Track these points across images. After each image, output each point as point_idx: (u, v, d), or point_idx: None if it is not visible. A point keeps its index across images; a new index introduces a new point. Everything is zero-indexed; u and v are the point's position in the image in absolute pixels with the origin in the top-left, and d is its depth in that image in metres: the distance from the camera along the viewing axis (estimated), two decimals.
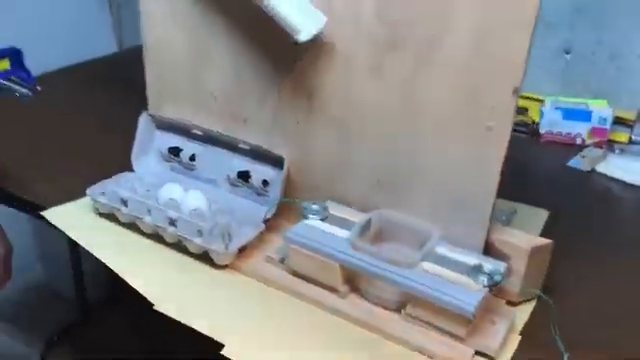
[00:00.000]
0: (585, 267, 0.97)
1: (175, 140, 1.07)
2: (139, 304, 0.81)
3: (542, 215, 1.08)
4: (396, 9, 0.80)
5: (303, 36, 0.83)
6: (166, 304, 0.81)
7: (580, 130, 1.39)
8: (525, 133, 1.43)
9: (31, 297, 1.92)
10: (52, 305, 1.90)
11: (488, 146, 0.79)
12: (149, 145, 1.08)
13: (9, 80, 1.49)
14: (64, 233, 0.94)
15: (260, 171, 0.99)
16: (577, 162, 1.32)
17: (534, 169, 1.33)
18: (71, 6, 1.98)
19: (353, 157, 0.92)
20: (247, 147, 0.99)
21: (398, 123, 0.86)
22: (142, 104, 1.09)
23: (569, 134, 1.40)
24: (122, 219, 0.96)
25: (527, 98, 1.45)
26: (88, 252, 0.90)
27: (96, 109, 1.39)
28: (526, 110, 1.45)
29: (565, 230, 1.05)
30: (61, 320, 1.83)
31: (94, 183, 1.00)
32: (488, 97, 0.77)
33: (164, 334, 1.08)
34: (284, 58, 0.92)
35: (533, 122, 1.44)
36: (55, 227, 0.95)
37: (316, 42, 0.86)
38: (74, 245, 1.41)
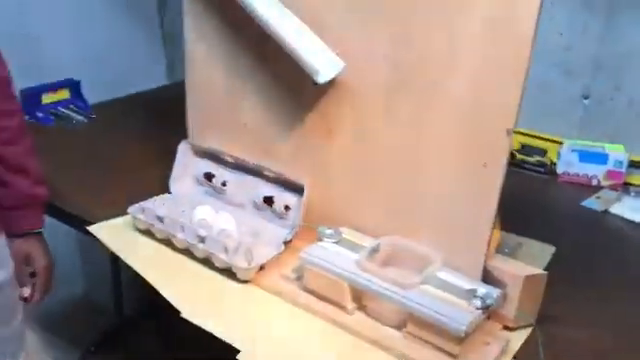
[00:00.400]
0: (586, 301, 1.02)
1: (209, 167, 1.18)
2: (172, 316, 0.90)
3: (548, 250, 1.14)
4: (405, 56, 0.90)
5: (322, 78, 0.94)
6: (192, 312, 0.91)
7: (596, 172, 1.44)
8: (543, 173, 1.49)
9: (70, 309, 2.04)
10: (90, 317, 2.02)
11: (484, 181, 0.87)
12: (186, 170, 1.20)
13: (68, 108, 1.64)
14: (106, 247, 1.06)
15: (283, 197, 1.09)
16: (592, 202, 1.37)
17: (549, 207, 1.39)
18: (126, 40, 2.15)
19: (366, 188, 1.01)
20: (272, 175, 1.10)
21: (406, 157, 0.95)
22: (183, 133, 1.21)
23: (585, 175, 1.45)
24: (158, 235, 1.07)
25: (546, 140, 1.52)
26: (127, 265, 1.01)
27: (143, 136, 1.52)
28: (545, 151, 1.52)
29: (571, 265, 1.11)
30: (98, 331, 1.94)
31: (136, 202, 1.11)
32: (484, 136, 0.86)
33: (192, 343, 1.17)
34: (307, 97, 1.03)
35: (551, 163, 1.50)
36: (98, 240, 1.07)
37: (335, 83, 0.97)
38: (114, 259, 1.54)
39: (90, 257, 2.02)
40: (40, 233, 1.04)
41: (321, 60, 0.94)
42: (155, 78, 2.27)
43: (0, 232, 0.94)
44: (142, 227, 1.09)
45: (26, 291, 1.03)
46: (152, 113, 1.68)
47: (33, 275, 1.04)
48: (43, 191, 1.02)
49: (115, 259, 1.53)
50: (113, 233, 1.10)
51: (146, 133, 1.55)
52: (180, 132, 1.21)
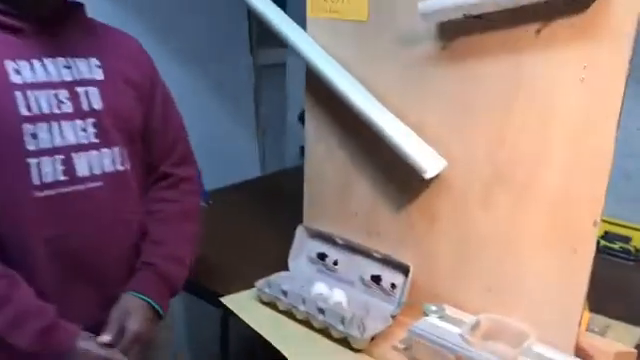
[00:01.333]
0: None
1: (322, 247, 1.35)
2: None
3: (635, 332, 1.22)
4: (500, 154, 1.06)
5: (428, 175, 1.11)
6: None
7: None
8: (629, 259, 1.57)
9: None
10: None
11: (575, 265, 1.00)
12: (302, 250, 1.37)
13: None
14: (217, 319, 1.21)
15: (389, 276, 1.24)
16: None
17: (635, 292, 1.46)
18: (229, 134, 2.41)
19: (466, 270, 1.15)
20: (379, 256, 1.25)
21: (502, 242, 1.09)
22: (289, 217, 1.38)
23: None
24: (281, 307, 1.23)
25: (631, 228, 1.61)
26: (235, 337, 1.16)
27: (259, 219, 1.73)
28: (629, 238, 1.61)
29: None
30: None
31: (258, 278, 1.29)
32: (574, 225, 0.99)
33: None
34: (412, 188, 1.19)
35: (636, 250, 1.58)
36: (230, 310, 1.25)
37: (437, 177, 1.13)
38: (224, 328, 1.71)
39: (199, 327, 2.20)
40: (150, 304, 1.06)
41: (426, 159, 1.12)
42: (249, 167, 2.51)
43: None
44: (266, 299, 1.26)
45: (106, 338, 0.99)
46: (265, 198, 1.89)
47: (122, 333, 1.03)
48: (178, 272, 1.12)
49: (225, 329, 1.71)
50: (241, 304, 1.27)
51: (262, 216, 1.75)
52: (287, 215, 1.39)
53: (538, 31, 0.99)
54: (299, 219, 1.42)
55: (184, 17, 2.46)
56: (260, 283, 1.27)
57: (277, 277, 1.30)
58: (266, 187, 2.08)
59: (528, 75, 1.01)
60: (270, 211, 1.76)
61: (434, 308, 1.13)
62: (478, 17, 1.03)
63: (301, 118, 2.05)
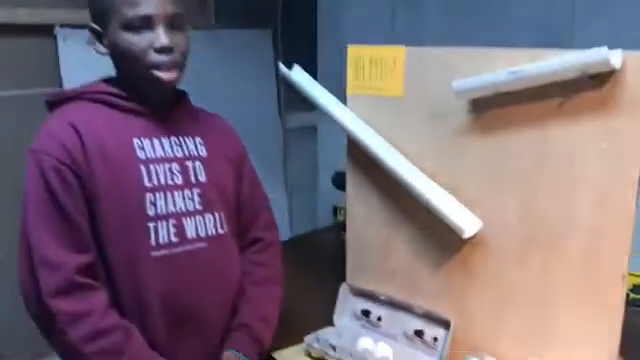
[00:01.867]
0: None
1: (366, 304, 1.45)
2: None
3: None
4: (532, 216, 1.17)
5: (466, 235, 1.21)
6: None
7: None
8: None
9: None
10: None
11: (606, 318, 1.09)
12: (346, 307, 1.47)
13: None
14: None
15: (431, 330, 1.33)
16: None
17: None
18: None
19: (503, 322, 1.24)
20: (421, 311, 1.35)
21: (537, 297, 1.18)
22: (329, 275, 1.47)
23: None
24: None
25: None
26: None
27: (296, 278, 1.80)
28: None
29: None
30: None
31: (304, 335, 1.38)
32: (603, 280, 1.09)
33: None
34: (450, 247, 1.29)
35: None
36: None
37: (474, 236, 1.24)
38: None
39: None
40: None
41: (463, 219, 1.22)
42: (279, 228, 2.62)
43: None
44: (315, 354, 1.35)
45: None
46: (303, 258, 1.99)
47: None
48: (268, 335, 1.26)
49: None
50: (291, 358, 1.36)
51: (303, 275, 1.84)
52: (331, 273, 1.49)
53: (560, 105, 1.11)
54: (338, 277, 1.51)
55: (216, 82, 2.63)
56: (309, 338, 1.36)
57: (324, 332, 1.39)
58: (302, 246, 2.18)
59: (554, 145, 1.13)
60: (310, 270, 1.86)
61: (475, 359, 1.21)
62: (506, 93, 1.15)
63: (334, 180, 2.18)
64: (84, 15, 2.69)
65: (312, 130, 2.92)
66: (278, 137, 3.12)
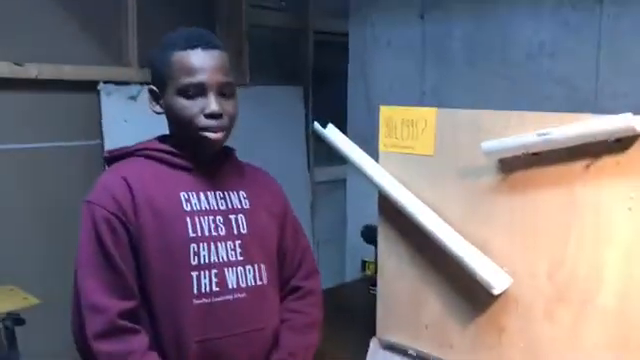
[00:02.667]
0: None
1: (396, 359, 1.47)
2: None
3: None
4: (561, 274, 1.20)
5: (496, 291, 1.24)
6: None
7: None
8: None
9: None
10: None
11: None
12: None
13: None
14: None
15: None
16: None
17: None
18: None
19: None
20: None
21: (566, 351, 1.20)
22: (359, 329, 1.49)
23: None
24: None
25: None
26: None
27: (327, 331, 1.84)
28: None
29: None
30: None
31: None
32: (632, 337, 1.10)
33: None
34: (480, 302, 1.32)
35: None
36: None
37: (504, 293, 1.26)
38: None
39: None
40: None
41: (493, 276, 1.25)
42: None
43: None
44: None
45: None
46: (333, 311, 2.01)
47: None
48: None
49: None
50: None
51: (333, 328, 1.85)
52: (360, 327, 1.51)
53: (587, 166, 1.16)
54: (368, 331, 1.54)
55: (249, 136, 2.72)
56: None
57: None
58: (330, 300, 2.19)
59: (581, 205, 1.16)
60: (339, 324, 1.87)
61: None
62: (535, 154, 1.20)
63: (363, 234, 2.22)
64: (126, 72, 2.86)
65: (340, 184, 2.98)
66: (307, 190, 3.19)
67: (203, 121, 1.19)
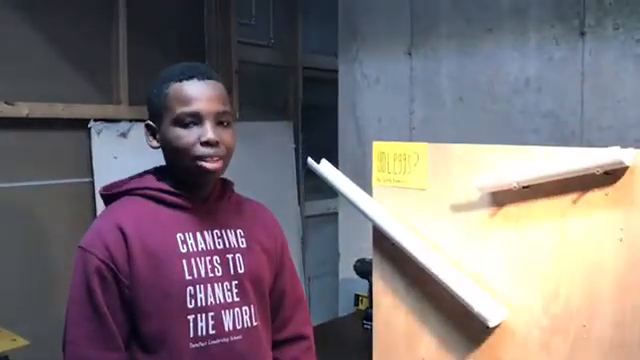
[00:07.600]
0: None
1: None
2: None
3: None
4: (555, 305, 1.21)
5: (492, 324, 1.25)
6: None
7: None
8: None
9: None
10: None
11: None
12: None
13: None
14: None
15: None
16: None
17: None
18: None
19: None
20: None
21: None
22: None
23: None
24: None
25: None
26: None
27: None
28: None
29: None
30: None
31: None
32: None
33: None
34: (477, 334, 1.32)
35: None
36: None
37: (500, 325, 1.27)
38: None
39: None
40: None
41: (489, 309, 1.26)
42: None
43: None
44: None
45: None
46: (327, 346, 1.99)
47: None
48: None
49: None
50: None
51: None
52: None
53: (577, 199, 1.18)
54: None
55: (239, 170, 2.73)
56: None
57: None
58: (324, 336, 2.19)
59: (573, 236, 1.18)
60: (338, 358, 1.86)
61: None
62: (526, 187, 1.22)
63: (356, 268, 2.23)
64: (117, 110, 2.87)
65: (331, 217, 3.00)
66: (297, 224, 3.20)
67: (199, 150, 1.16)
